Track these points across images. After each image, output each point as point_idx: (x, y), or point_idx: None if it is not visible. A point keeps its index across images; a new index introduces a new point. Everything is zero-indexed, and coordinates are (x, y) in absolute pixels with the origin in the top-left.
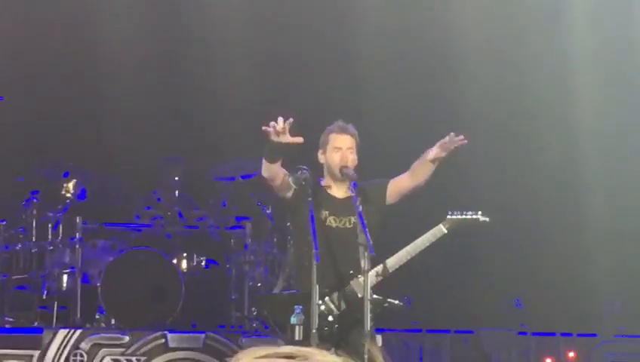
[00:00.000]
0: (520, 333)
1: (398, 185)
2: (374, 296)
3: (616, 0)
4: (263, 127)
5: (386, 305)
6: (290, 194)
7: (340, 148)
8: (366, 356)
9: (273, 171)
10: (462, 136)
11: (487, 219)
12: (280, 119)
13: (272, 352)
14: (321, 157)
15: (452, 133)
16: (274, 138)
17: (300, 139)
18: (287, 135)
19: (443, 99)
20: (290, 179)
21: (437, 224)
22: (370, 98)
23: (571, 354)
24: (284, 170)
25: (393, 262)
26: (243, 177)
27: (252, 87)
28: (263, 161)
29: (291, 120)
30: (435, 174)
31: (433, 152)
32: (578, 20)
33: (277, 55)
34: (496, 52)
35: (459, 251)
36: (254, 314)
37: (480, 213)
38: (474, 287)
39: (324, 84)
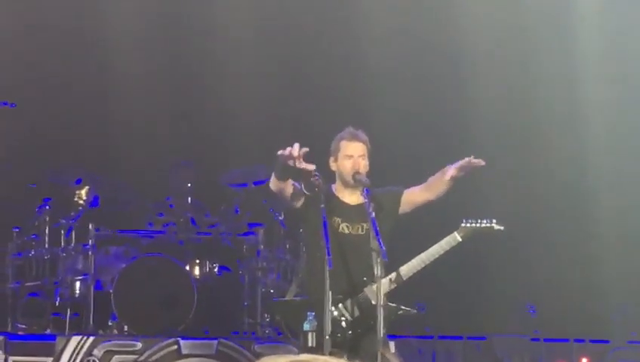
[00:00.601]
0: (532, 339)
1: (413, 197)
2: (388, 304)
3: (623, 0)
4: (279, 152)
5: (400, 312)
6: (300, 203)
7: (352, 156)
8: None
9: (282, 186)
10: (481, 160)
11: (501, 228)
12: (296, 145)
13: (290, 360)
14: (332, 165)
15: (472, 156)
16: (288, 162)
17: (312, 166)
18: (302, 161)
19: (453, 105)
20: (302, 186)
21: (451, 232)
22: (380, 103)
23: (584, 360)
24: (292, 181)
25: (407, 269)
26: (255, 183)
27: (264, 93)
28: (273, 176)
29: (307, 149)
30: (455, 183)
31: (451, 172)
32: (587, 25)
33: (288, 61)
34: (506, 56)
35: (471, 257)
36: (267, 320)
37: (495, 221)
38: (486, 293)
39: (335, 89)
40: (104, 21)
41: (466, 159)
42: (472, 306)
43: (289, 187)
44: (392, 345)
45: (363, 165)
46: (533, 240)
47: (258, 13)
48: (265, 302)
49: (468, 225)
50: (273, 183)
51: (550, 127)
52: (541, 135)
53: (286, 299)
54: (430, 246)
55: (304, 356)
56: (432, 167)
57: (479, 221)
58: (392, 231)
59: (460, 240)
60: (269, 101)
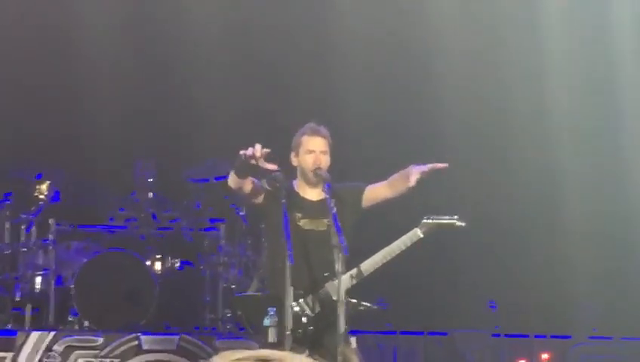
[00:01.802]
0: (493, 335)
1: (374, 193)
2: (349, 299)
3: (592, 1)
4: (241, 151)
5: (361, 308)
6: (260, 199)
7: (313, 151)
8: (340, 358)
9: (241, 183)
10: (445, 164)
11: (463, 224)
12: (258, 146)
13: (248, 355)
14: (294, 160)
15: (436, 164)
16: (250, 161)
17: (274, 166)
18: (263, 161)
19: (420, 102)
20: (263, 182)
21: (413, 228)
22: (347, 99)
23: (545, 356)
24: (251, 178)
25: (368, 265)
26: (217, 179)
27: (227, 89)
28: (232, 174)
29: (268, 150)
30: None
31: (415, 177)
32: (555, 23)
33: (253, 56)
34: (476, 53)
35: (433, 253)
36: (228, 315)
37: (456, 217)
38: (448, 289)
39: (300, 84)
40: (68, 16)
41: (430, 166)
42: (433, 302)
43: (248, 184)
44: (353, 340)
45: (324, 160)
46: (495, 236)
47: (225, 8)
48: (226, 297)
49: (429, 221)
50: (232, 181)
51: (516, 124)
52: (507, 133)
53: (247, 294)
54: (392, 242)
55: (263, 351)
56: (398, 165)
57: (441, 217)
58: (355, 226)
59: (422, 236)
60: (232, 97)
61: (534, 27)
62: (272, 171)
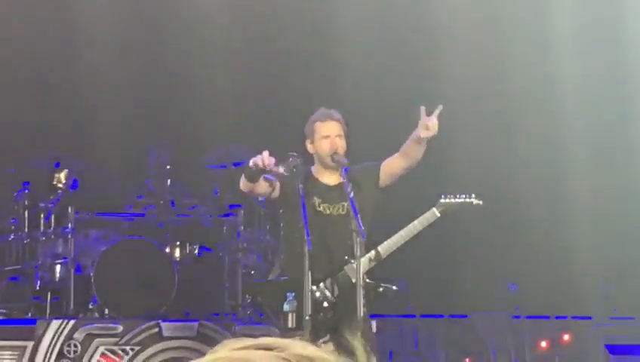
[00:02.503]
0: (514, 317)
1: (390, 167)
2: (367, 281)
3: None
4: (250, 162)
5: (381, 289)
6: (276, 193)
7: (329, 136)
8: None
9: (253, 186)
10: (439, 106)
11: (480, 202)
12: (265, 153)
13: (251, 343)
14: (310, 147)
15: (422, 107)
16: (259, 168)
17: (281, 170)
18: (272, 166)
19: (429, 83)
20: (280, 167)
21: (430, 208)
22: (359, 83)
23: (566, 337)
24: (263, 178)
25: (386, 247)
26: (235, 164)
27: (243, 74)
28: (243, 179)
29: (273, 160)
30: (429, 158)
31: (417, 134)
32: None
33: (266, 40)
34: (483, 35)
35: (452, 236)
36: (248, 301)
37: (474, 195)
38: (468, 272)
39: (314, 68)
40: (80, 7)
41: (421, 113)
42: (453, 285)
43: (261, 185)
44: (373, 324)
45: (341, 144)
46: (514, 218)
47: None
48: (246, 283)
49: (446, 200)
50: (244, 185)
51: (528, 105)
52: (521, 111)
53: (268, 279)
54: (409, 223)
55: (266, 339)
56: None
57: (458, 196)
58: (375, 207)
59: (439, 215)
60: (248, 82)
61: (542, 3)
62: (284, 172)
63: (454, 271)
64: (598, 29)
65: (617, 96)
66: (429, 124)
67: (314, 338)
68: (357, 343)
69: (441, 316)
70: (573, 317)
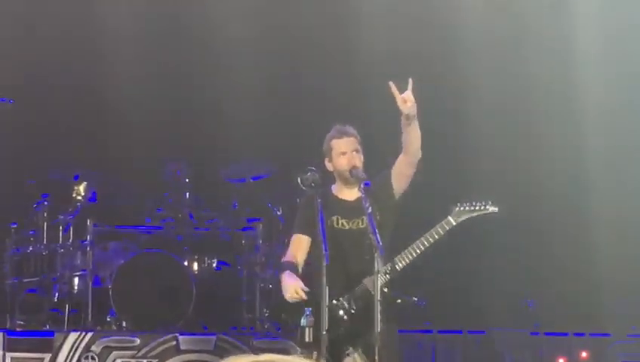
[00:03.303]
0: (532, 333)
1: (399, 169)
2: (385, 292)
3: None
4: (288, 298)
5: (399, 301)
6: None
7: (345, 152)
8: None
9: None
10: (410, 81)
11: (496, 210)
12: (301, 293)
13: (253, 359)
14: (328, 165)
15: (391, 83)
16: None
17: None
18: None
19: (449, 88)
20: (298, 181)
21: (446, 216)
22: (374, 94)
23: (584, 354)
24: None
25: (402, 259)
26: (253, 178)
27: (261, 88)
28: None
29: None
30: (449, 170)
31: (401, 114)
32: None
33: (285, 55)
34: (503, 37)
35: (471, 252)
36: (266, 315)
37: (489, 203)
38: (486, 288)
39: (332, 82)
40: (101, 20)
41: (398, 93)
42: (471, 300)
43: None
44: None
45: (358, 159)
46: (533, 235)
47: (254, 8)
48: (264, 297)
49: (461, 208)
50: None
51: (549, 113)
52: (543, 123)
53: None
54: (425, 233)
55: (266, 355)
56: (429, 152)
57: (473, 204)
58: (395, 219)
59: (454, 223)
60: (267, 96)
61: (566, 6)
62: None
63: (473, 286)
64: (622, 32)
65: None
66: (404, 97)
67: (332, 354)
68: (357, 357)
69: (460, 332)
70: (592, 335)
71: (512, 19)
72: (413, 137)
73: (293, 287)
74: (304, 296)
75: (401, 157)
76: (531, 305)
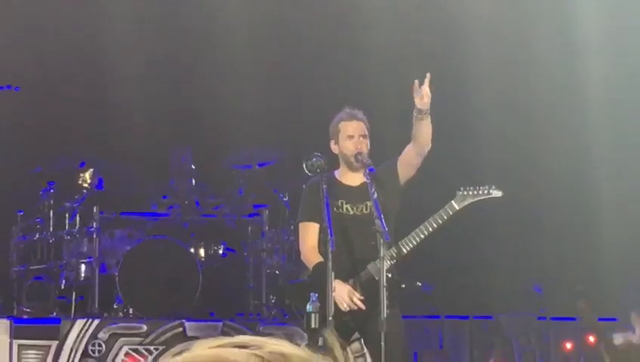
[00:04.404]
0: (539, 318)
1: (406, 158)
2: (390, 277)
3: None
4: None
5: (403, 286)
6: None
7: (353, 136)
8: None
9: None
10: (428, 75)
11: (499, 194)
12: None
13: (226, 342)
14: (334, 148)
15: (416, 81)
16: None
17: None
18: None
19: (452, 74)
20: (304, 167)
21: (449, 201)
22: (379, 82)
23: (591, 339)
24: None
25: (406, 243)
26: (259, 165)
27: (267, 74)
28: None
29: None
30: (452, 153)
31: (415, 108)
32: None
33: (289, 39)
34: (507, 25)
35: (478, 237)
36: (272, 301)
37: (493, 187)
38: (493, 273)
39: (338, 68)
40: (106, 8)
41: (417, 88)
42: (478, 286)
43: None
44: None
45: (365, 144)
46: (540, 219)
47: None
48: (270, 283)
49: (465, 193)
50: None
51: (554, 97)
52: (546, 106)
53: (299, 281)
54: (429, 218)
55: (242, 337)
56: (433, 137)
57: (477, 188)
58: (399, 206)
59: (458, 208)
60: (273, 82)
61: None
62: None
63: (480, 272)
64: (625, 27)
65: None
66: (422, 93)
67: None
68: (333, 339)
69: (466, 317)
70: (599, 319)
71: (517, 8)
72: (424, 132)
73: (348, 297)
74: (362, 306)
75: (410, 146)
76: (538, 290)
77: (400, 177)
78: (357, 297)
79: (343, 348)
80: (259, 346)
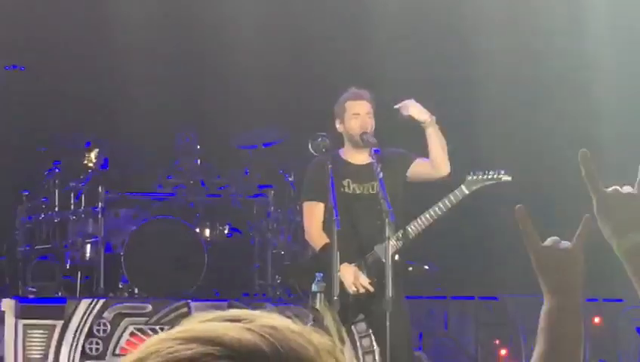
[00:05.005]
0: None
1: (420, 168)
2: (397, 260)
3: None
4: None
5: (410, 269)
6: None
7: (359, 114)
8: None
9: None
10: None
11: (509, 178)
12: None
13: (217, 316)
14: (339, 127)
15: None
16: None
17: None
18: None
19: (459, 59)
20: (309, 147)
21: (459, 185)
22: (387, 65)
23: (597, 320)
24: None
25: (414, 226)
26: (265, 145)
27: (271, 54)
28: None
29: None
30: (463, 139)
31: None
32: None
33: (293, 20)
34: (514, 10)
35: (483, 218)
36: (278, 281)
37: (503, 172)
38: (498, 254)
39: (342, 49)
40: None
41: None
42: (484, 266)
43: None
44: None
45: (370, 124)
46: (545, 200)
47: None
48: (276, 263)
49: (474, 177)
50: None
51: (560, 82)
52: (554, 91)
53: (301, 261)
54: (438, 201)
55: (234, 311)
56: (443, 120)
57: (486, 172)
58: (404, 189)
59: (467, 192)
60: (277, 62)
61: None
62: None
63: (485, 252)
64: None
65: None
66: (410, 107)
67: (343, 319)
68: (326, 313)
69: (472, 298)
70: (605, 300)
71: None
72: (432, 144)
73: (355, 281)
74: (370, 288)
75: (427, 164)
76: None
77: (409, 174)
78: (364, 280)
79: (337, 323)
80: (250, 320)
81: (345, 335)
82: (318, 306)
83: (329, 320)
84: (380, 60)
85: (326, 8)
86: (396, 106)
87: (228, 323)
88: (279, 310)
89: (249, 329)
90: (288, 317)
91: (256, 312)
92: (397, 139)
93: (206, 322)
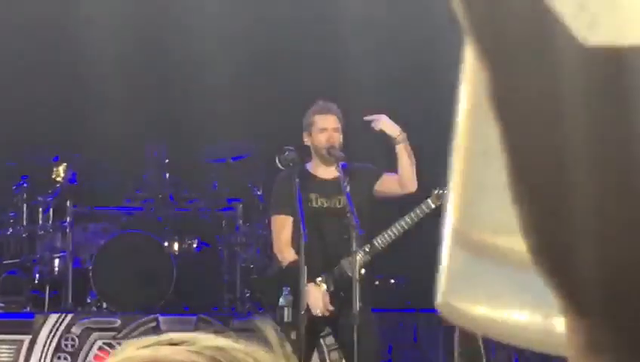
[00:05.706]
0: None
1: (388, 183)
2: (363, 274)
3: None
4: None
5: (377, 283)
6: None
7: (326, 129)
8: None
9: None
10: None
11: None
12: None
13: (155, 341)
14: (307, 140)
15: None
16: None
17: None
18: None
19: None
20: (276, 160)
21: (425, 199)
22: (360, 76)
23: None
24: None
25: (381, 240)
26: (233, 159)
27: (241, 67)
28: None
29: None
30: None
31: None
32: None
33: (263, 33)
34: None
35: None
36: (247, 295)
37: None
38: None
39: (312, 62)
40: (77, 3)
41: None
42: None
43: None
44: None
45: (337, 138)
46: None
47: None
48: (244, 277)
49: (441, 191)
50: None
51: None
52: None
53: (268, 275)
54: (405, 215)
55: (168, 335)
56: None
57: None
58: (370, 203)
59: (434, 206)
60: (246, 76)
61: None
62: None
63: None
64: None
65: None
66: (381, 121)
67: (311, 333)
68: (269, 330)
69: None
70: None
71: None
72: (401, 161)
73: (322, 304)
74: (331, 309)
75: (395, 180)
76: None
77: (376, 188)
78: (328, 304)
79: (281, 340)
80: (192, 342)
81: (290, 350)
82: (285, 320)
83: (271, 335)
84: (351, 74)
85: (294, 21)
86: (367, 118)
87: (171, 347)
88: (247, 324)
89: (196, 352)
90: (228, 336)
91: (194, 334)
92: (367, 152)
93: (146, 348)
